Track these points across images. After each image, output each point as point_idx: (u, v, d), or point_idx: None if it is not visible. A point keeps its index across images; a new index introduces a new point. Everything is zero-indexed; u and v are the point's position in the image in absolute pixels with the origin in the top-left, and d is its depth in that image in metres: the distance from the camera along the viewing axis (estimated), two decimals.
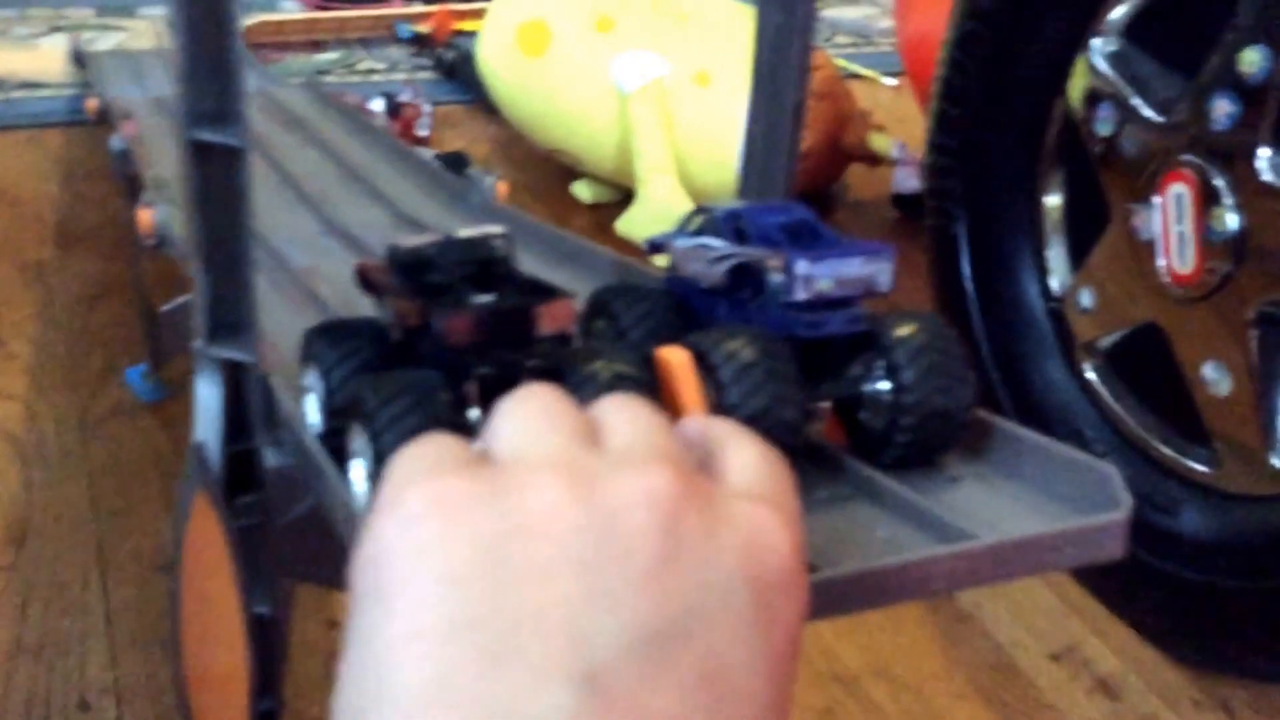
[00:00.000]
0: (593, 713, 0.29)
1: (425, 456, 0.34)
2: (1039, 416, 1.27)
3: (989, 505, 0.52)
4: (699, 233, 0.62)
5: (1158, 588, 1.14)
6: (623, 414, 0.37)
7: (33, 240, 1.87)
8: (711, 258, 0.59)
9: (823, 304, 0.55)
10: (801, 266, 0.54)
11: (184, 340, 1.39)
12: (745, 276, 0.58)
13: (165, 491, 1.30)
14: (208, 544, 0.68)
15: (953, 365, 0.54)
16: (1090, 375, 1.24)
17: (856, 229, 2.08)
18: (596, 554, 0.31)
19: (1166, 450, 1.16)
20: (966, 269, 1.36)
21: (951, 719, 1.07)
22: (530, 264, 0.89)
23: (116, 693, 1.04)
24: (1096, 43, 1.18)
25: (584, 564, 0.31)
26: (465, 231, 0.57)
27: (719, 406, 0.51)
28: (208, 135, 0.60)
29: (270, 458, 0.65)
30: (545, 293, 0.54)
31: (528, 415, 0.36)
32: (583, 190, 2.14)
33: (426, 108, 2.33)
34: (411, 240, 0.57)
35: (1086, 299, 1.23)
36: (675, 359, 0.51)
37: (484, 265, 0.56)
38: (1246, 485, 1.08)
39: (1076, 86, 1.21)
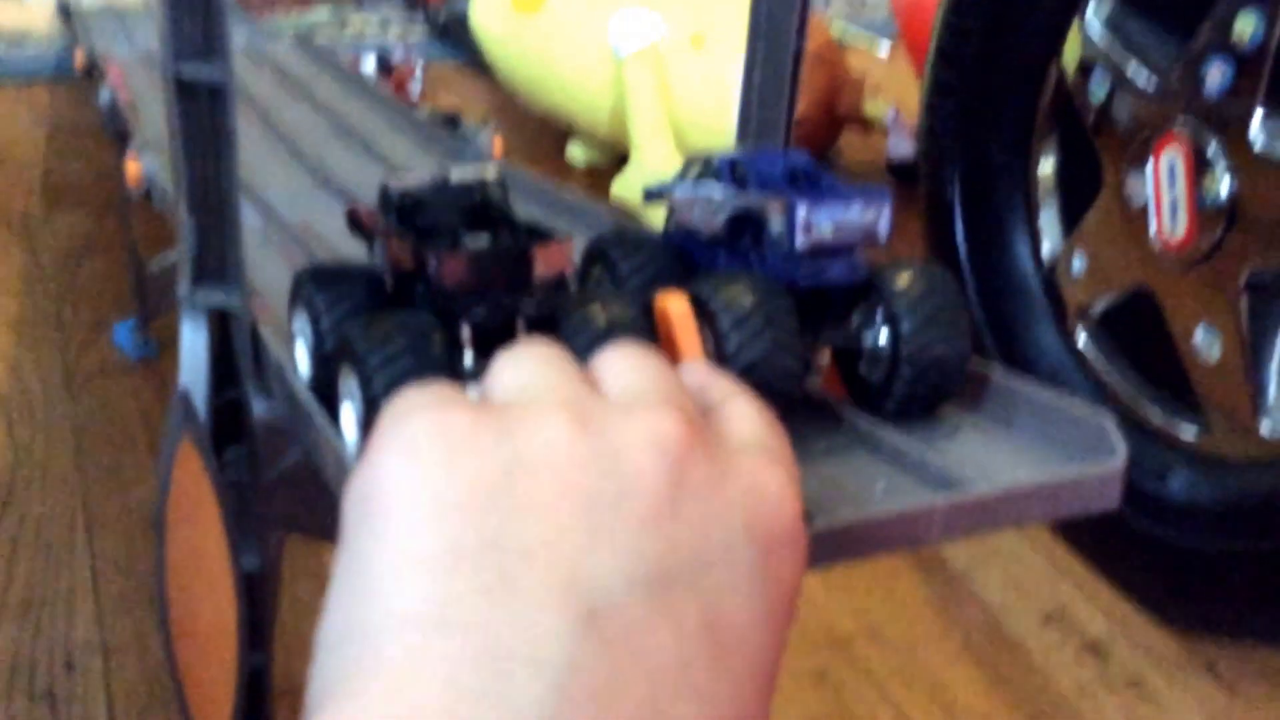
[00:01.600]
0: (590, 648, 0.28)
1: (427, 393, 0.33)
2: None
3: (986, 455, 0.52)
4: (698, 180, 0.60)
5: (1147, 551, 1.14)
6: (626, 361, 0.36)
7: (19, 195, 1.86)
8: (711, 206, 0.58)
9: (822, 252, 0.54)
10: (802, 211, 0.53)
11: (172, 297, 1.39)
12: (745, 225, 0.57)
13: (153, 448, 1.29)
14: (193, 496, 0.67)
15: (952, 315, 0.53)
16: (1082, 340, 1.25)
17: None
18: (601, 491, 0.30)
19: (1157, 415, 1.16)
20: (960, 234, 1.36)
21: (943, 681, 1.07)
22: (525, 216, 0.89)
23: (103, 651, 1.04)
24: (1091, 8, 1.18)
25: (588, 500, 0.30)
26: (459, 172, 0.55)
27: (718, 353, 0.50)
28: (192, 72, 0.59)
29: (258, 407, 0.64)
30: (542, 235, 0.53)
31: (529, 363, 0.35)
32: (577, 153, 2.13)
33: (419, 67, 2.32)
34: (404, 181, 0.55)
35: (1079, 264, 1.23)
36: (674, 305, 0.50)
37: (478, 207, 0.55)
38: (1236, 450, 1.08)
39: (1070, 52, 1.21)
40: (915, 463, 0.50)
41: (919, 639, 1.12)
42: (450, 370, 0.47)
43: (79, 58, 1.83)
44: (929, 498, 0.47)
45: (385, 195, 0.55)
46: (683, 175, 0.62)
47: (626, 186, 1.91)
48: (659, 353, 0.37)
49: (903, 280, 0.54)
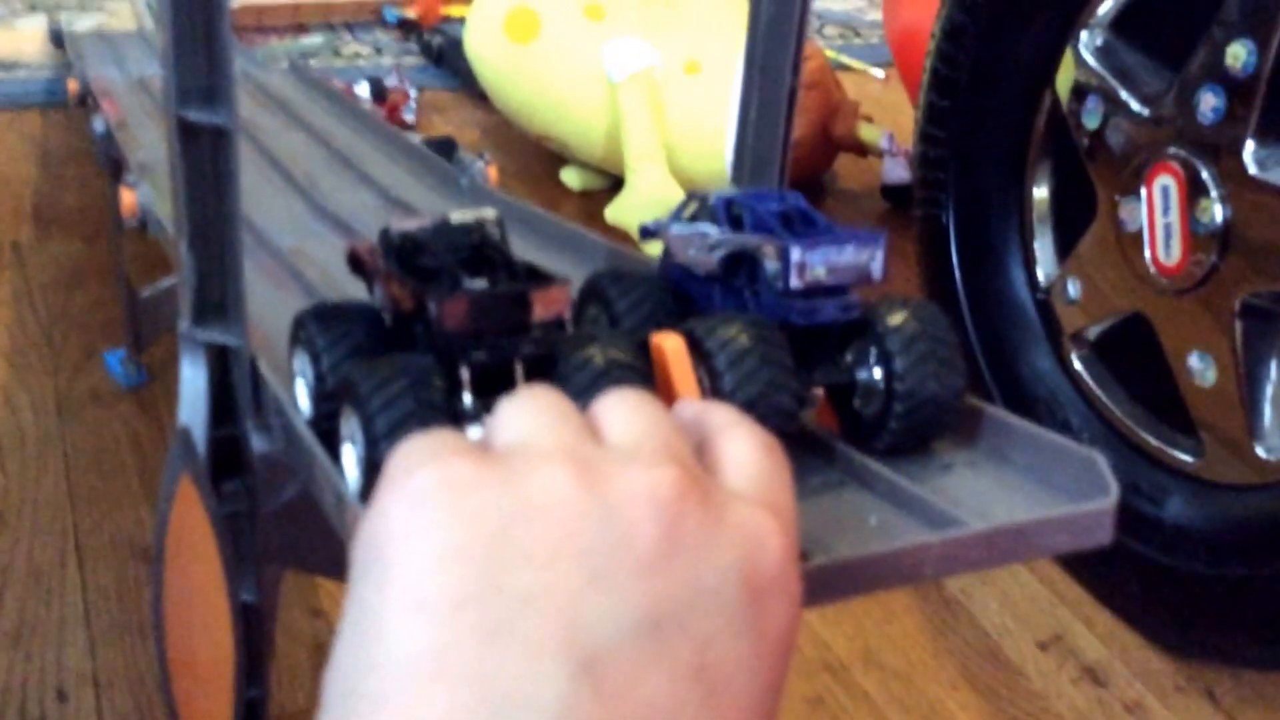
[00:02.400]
0: (586, 694, 0.29)
1: (432, 442, 0.34)
2: (1026, 405, 1.27)
3: (979, 491, 0.52)
4: (694, 219, 0.62)
5: (1144, 576, 1.14)
6: (623, 409, 0.37)
7: (10, 222, 1.85)
8: (706, 244, 0.59)
9: (817, 291, 0.55)
10: (796, 253, 0.54)
11: (164, 325, 1.39)
12: (740, 263, 0.58)
13: (144, 477, 1.29)
14: (191, 530, 0.67)
15: (945, 352, 0.54)
16: (1077, 365, 1.25)
17: (845, 219, 2.07)
18: (598, 542, 0.31)
19: (1153, 439, 1.16)
20: (955, 259, 1.36)
21: (941, 707, 1.07)
22: (521, 248, 0.88)
23: (95, 681, 1.03)
24: (1084, 36, 1.18)
25: (585, 550, 0.31)
26: (458, 215, 0.56)
27: (714, 392, 0.51)
28: (195, 115, 0.59)
29: (257, 443, 0.64)
30: (540, 278, 0.54)
31: (530, 411, 0.36)
32: (571, 177, 2.13)
33: (412, 93, 2.32)
34: (404, 223, 0.56)
35: (1073, 289, 1.23)
36: (670, 345, 0.50)
37: (477, 249, 0.55)
38: (1232, 474, 1.09)
39: (1064, 79, 1.21)
40: (910, 499, 0.51)
41: (916, 665, 1.11)
42: (449, 412, 0.48)
43: (72, 86, 1.83)
44: (923, 535, 0.47)
45: (386, 237, 0.56)
46: (678, 213, 0.62)
47: (621, 211, 1.91)
48: (655, 398, 0.38)
49: (896, 318, 0.55)
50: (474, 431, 0.35)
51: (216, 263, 0.63)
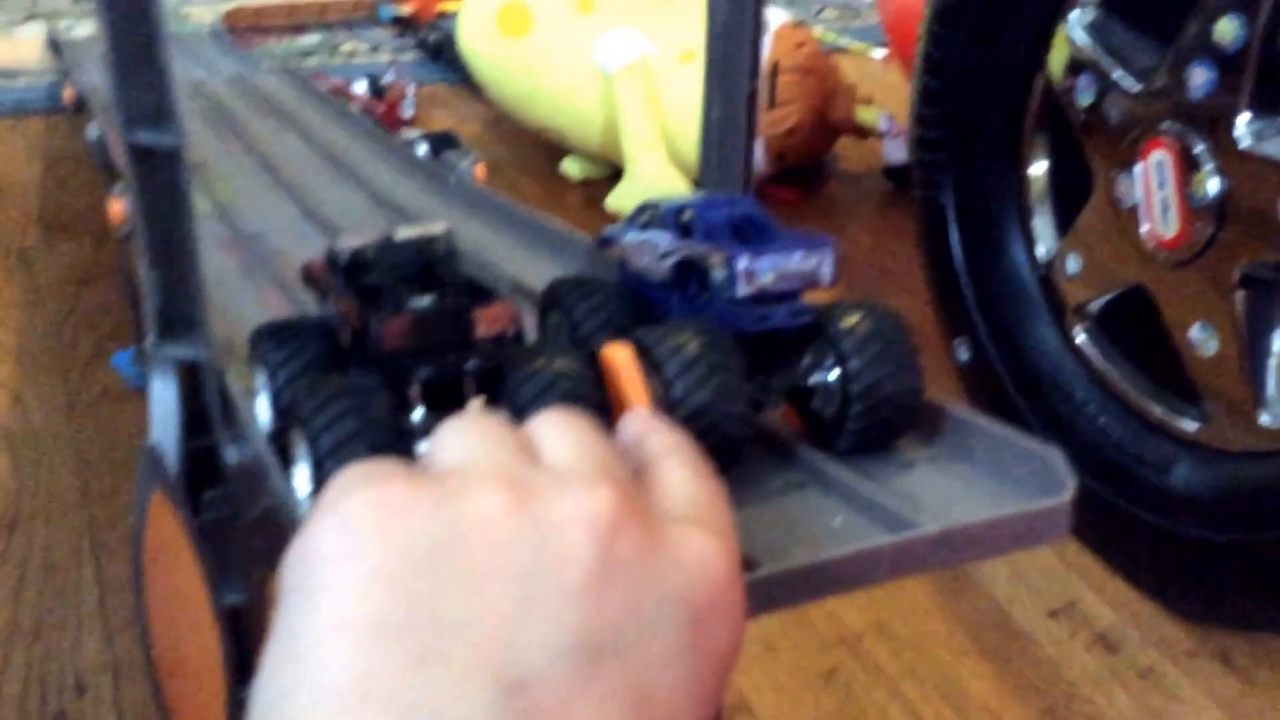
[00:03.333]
0: (513, 717, 0.29)
1: (370, 467, 0.34)
2: (1032, 380, 1.28)
3: (940, 490, 0.53)
4: (646, 227, 0.63)
5: (1153, 543, 1.15)
6: (560, 431, 0.37)
7: (17, 226, 1.86)
8: (657, 253, 0.60)
9: (768, 297, 0.56)
10: (742, 262, 0.55)
11: None
12: (690, 271, 0.59)
13: None
14: (169, 541, 0.68)
15: (900, 351, 0.55)
16: (1081, 338, 1.25)
17: (849, 201, 2.09)
18: (531, 566, 0.31)
19: (1157, 409, 1.17)
20: (955, 238, 1.37)
21: (953, 675, 1.07)
22: (507, 248, 0.90)
23: (113, 672, 1.04)
24: (1075, 14, 1.19)
25: (517, 575, 0.31)
26: (405, 231, 0.56)
27: (665, 399, 0.51)
28: (145, 138, 0.60)
29: (232, 453, 0.65)
30: (484, 294, 0.55)
31: (468, 434, 0.36)
32: (572, 167, 2.14)
33: (411, 88, 2.33)
34: (351, 240, 0.57)
35: (1074, 264, 1.23)
36: (618, 356, 0.51)
37: (425, 266, 0.56)
38: (1236, 441, 1.09)
39: (1056, 58, 1.22)
40: (868, 501, 0.51)
41: (928, 635, 1.12)
42: (396, 429, 0.48)
43: (68, 93, 1.84)
44: (881, 537, 0.48)
45: (332, 255, 0.57)
46: (633, 220, 0.64)
47: (623, 199, 1.92)
48: (591, 418, 0.38)
49: (849, 320, 0.55)
50: (422, 449, 0.35)
51: (178, 279, 0.63)
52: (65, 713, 1.01)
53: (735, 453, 0.51)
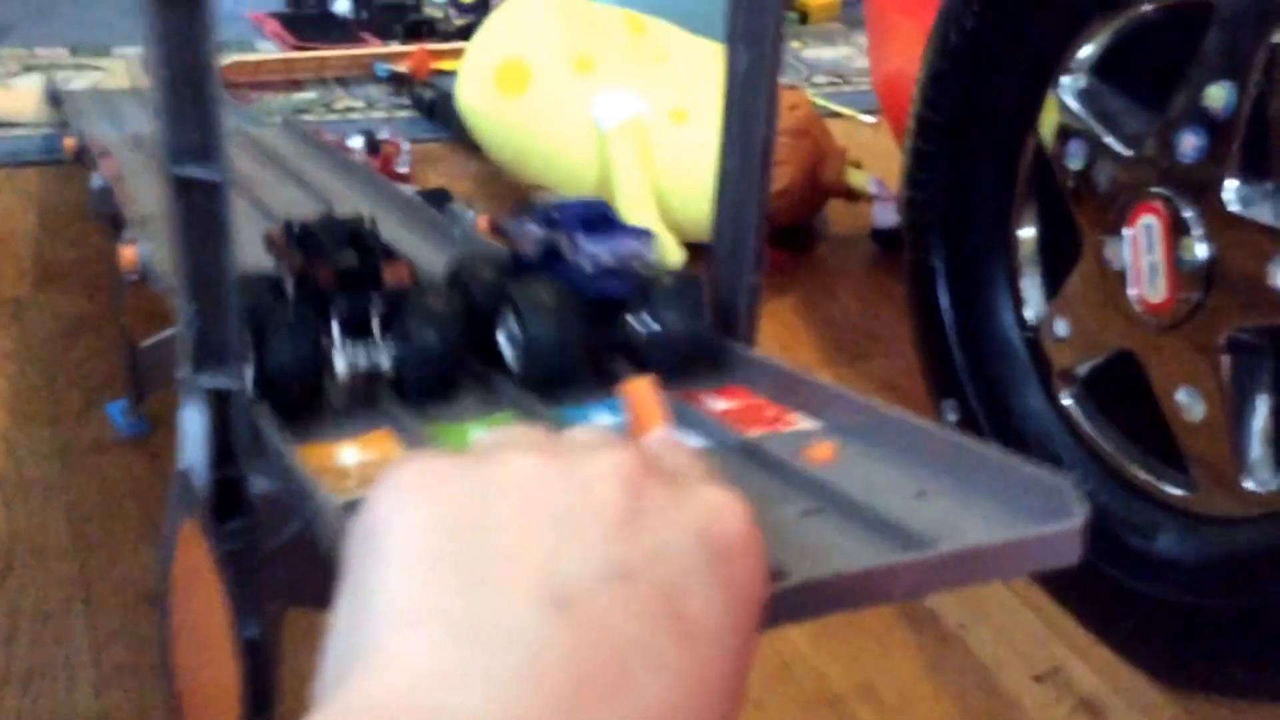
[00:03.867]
0: (561, 629, 0.31)
1: (420, 454, 0.37)
2: (1018, 443, 1.29)
3: (953, 517, 0.54)
4: (524, 219, 0.83)
5: (1137, 609, 1.16)
6: (589, 431, 0.41)
7: (9, 277, 1.87)
8: (530, 238, 0.81)
9: (607, 273, 0.77)
10: (583, 244, 0.76)
11: (164, 375, 1.40)
12: (554, 252, 0.79)
13: (147, 524, 1.30)
14: (196, 569, 0.69)
15: (692, 302, 0.77)
16: (1067, 402, 1.26)
17: (837, 263, 2.10)
18: (568, 510, 0.34)
19: (1143, 474, 1.18)
20: (945, 300, 1.38)
21: None
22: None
23: None
24: (1066, 80, 1.21)
25: (557, 517, 0.34)
26: (341, 213, 0.84)
27: (521, 334, 0.72)
28: (189, 171, 0.62)
29: (256, 483, 0.67)
30: (391, 255, 0.77)
31: (503, 431, 0.40)
32: None
33: (405, 145, 2.34)
34: (302, 218, 0.81)
35: (1061, 328, 1.25)
36: (639, 387, 0.55)
37: (351, 235, 0.79)
38: (1221, 508, 1.10)
39: (1047, 122, 1.24)
40: (883, 524, 0.53)
41: (913, 697, 1.13)
42: (317, 340, 0.71)
43: (69, 143, 1.85)
44: (895, 555, 0.50)
45: (287, 225, 0.81)
46: (516, 214, 0.85)
47: None
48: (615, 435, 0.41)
49: (660, 285, 0.77)
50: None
51: (214, 310, 0.66)
52: None
53: (571, 373, 0.72)
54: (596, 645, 0.32)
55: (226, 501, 0.68)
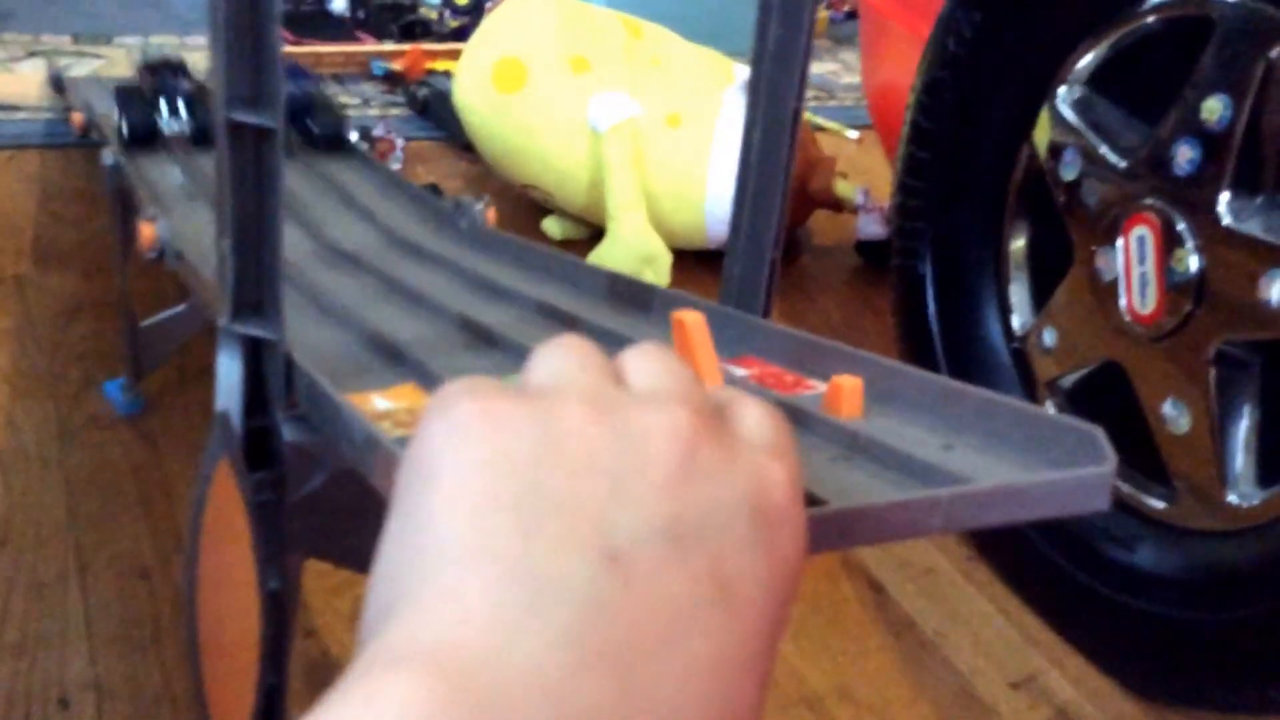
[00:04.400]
0: (614, 583, 0.32)
1: (470, 383, 0.37)
2: None
3: (983, 465, 0.55)
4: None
5: (1114, 620, 1.17)
6: (647, 360, 0.40)
7: (11, 256, 1.88)
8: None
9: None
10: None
11: (163, 355, 1.41)
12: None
13: (143, 501, 1.31)
14: (226, 515, 0.70)
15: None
16: (1052, 412, 1.26)
17: (820, 274, 2.12)
18: (620, 465, 0.34)
19: (1125, 487, 1.19)
20: (932, 308, 1.39)
21: None
22: (524, 282, 0.92)
23: (96, 690, 1.05)
24: (1062, 91, 1.22)
25: (609, 471, 0.34)
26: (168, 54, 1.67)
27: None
28: (243, 116, 0.63)
29: (287, 432, 0.67)
30: (190, 77, 1.64)
31: (561, 359, 0.39)
32: (553, 226, 2.17)
33: (399, 142, 2.36)
34: (152, 56, 1.64)
35: (1049, 338, 1.26)
36: (690, 320, 0.54)
37: (177, 66, 1.68)
38: (1203, 521, 1.11)
39: (1042, 132, 1.25)
40: (917, 465, 0.54)
41: (890, 700, 1.14)
42: (152, 114, 1.57)
43: (77, 118, 1.86)
44: (938, 489, 0.50)
45: (145, 59, 1.74)
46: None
47: (603, 258, 1.95)
48: (676, 355, 0.41)
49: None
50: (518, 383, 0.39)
51: (256, 260, 0.66)
52: None
53: None
54: (647, 603, 0.32)
55: (258, 450, 0.69)
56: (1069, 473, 0.52)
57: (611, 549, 0.32)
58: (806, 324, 1.90)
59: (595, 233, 2.08)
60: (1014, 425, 0.56)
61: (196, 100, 1.59)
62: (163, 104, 1.57)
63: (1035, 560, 1.24)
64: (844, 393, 0.61)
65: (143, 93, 1.65)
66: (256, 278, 0.67)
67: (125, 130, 1.56)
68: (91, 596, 1.16)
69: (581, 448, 0.34)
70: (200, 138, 1.57)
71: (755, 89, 0.75)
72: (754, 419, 0.40)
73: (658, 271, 1.95)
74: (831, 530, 0.46)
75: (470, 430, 0.35)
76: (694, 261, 2.05)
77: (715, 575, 0.34)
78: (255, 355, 0.68)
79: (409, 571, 0.33)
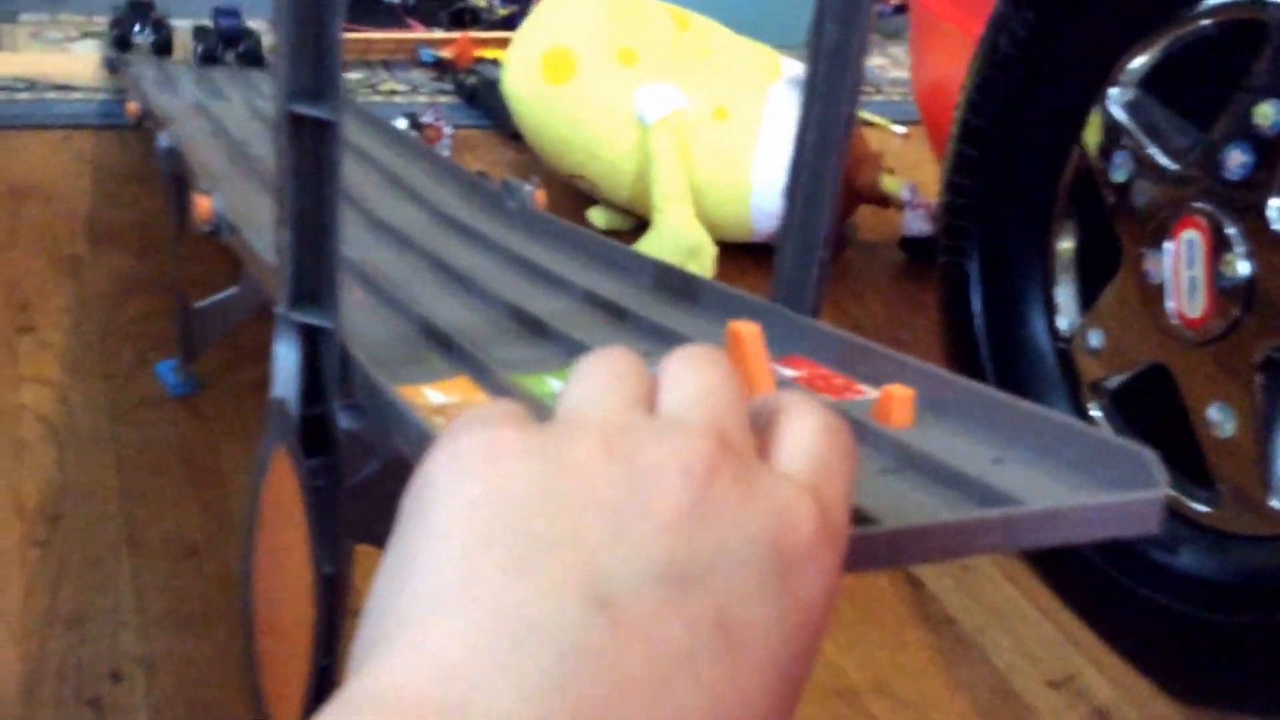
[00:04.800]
0: (601, 630, 0.30)
1: (485, 412, 0.36)
2: None
3: (1033, 481, 0.55)
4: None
5: (1155, 622, 1.17)
6: (691, 371, 0.38)
7: (66, 235, 1.90)
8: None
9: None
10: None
11: (214, 335, 1.43)
12: None
13: (193, 480, 1.33)
14: (281, 500, 0.71)
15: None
16: (1096, 414, 1.27)
17: (865, 270, 2.12)
18: (623, 502, 0.33)
19: (1169, 490, 1.17)
20: (978, 306, 1.39)
21: None
22: (573, 268, 0.93)
23: (147, 665, 1.07)
24: (1114, 92, 1.22)
25: (610, 508, 0.32)
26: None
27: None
28: (303, 108, 0.64)
29: (343, 420, 0.69)
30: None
31: (593, 380, 0.38)
32: (598, 216, 2.17)
33: (448, 130, 2.37)
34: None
35: (1095, 340, 1.26)
36: (746, 331, 0.54)
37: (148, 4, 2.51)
38: (1246, 525, 1.11)
39: (1093, 134, 1.25)
40: (967, 482, 0.54)
41: (927, 695, 1.14)
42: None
43: (132, 108, 1.88)
44: (982, 510, 0.50)
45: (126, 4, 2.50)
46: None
47: (648, 250, 1.95)
48: (726, 363, 0.39)
49: None
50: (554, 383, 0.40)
51: (314, 249, 0.67)
52: (100, 699, 1.03)
53: None
54: (636, 651, 0.30)
55: (314, 437, 0.70)
56: (1122, 496, 0.52)
57: (603, 593, 0.31)
58: (850, 319, 1.91)
59: (640, 224, 2.08)
60: (1064, 442, 0.56)
61: (158, 24, 2.49)
62: (136, 26, 2.48)
63: (1075, 561, 1.24)
64: (896, 402, 0.60)
65: (122, 20, 2.50)
66: (315, 267, 0.68)
67: (112, 40, 2.47)
68: (143, 573, 1.18)
69: (583, 485, 0.33)
70: (160, 49, 2.45)
71: (811, 88, 0.75)
72: (805, 435, 0.38)
73: (702, 264, 1.96)
74: (882, 549, 0.45)
75: (470, 464, 0.34)
76: (738, 253, 2.05)
77: (718, 622, 0.32)
78: (312, 343, 0.69)
79: (392, 609, 0.32)
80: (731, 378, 0.38)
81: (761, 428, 0.38)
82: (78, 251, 1.86)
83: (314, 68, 0.64)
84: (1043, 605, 1.27)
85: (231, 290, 1.41)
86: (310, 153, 0.65)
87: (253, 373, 1.54)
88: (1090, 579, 1.23)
